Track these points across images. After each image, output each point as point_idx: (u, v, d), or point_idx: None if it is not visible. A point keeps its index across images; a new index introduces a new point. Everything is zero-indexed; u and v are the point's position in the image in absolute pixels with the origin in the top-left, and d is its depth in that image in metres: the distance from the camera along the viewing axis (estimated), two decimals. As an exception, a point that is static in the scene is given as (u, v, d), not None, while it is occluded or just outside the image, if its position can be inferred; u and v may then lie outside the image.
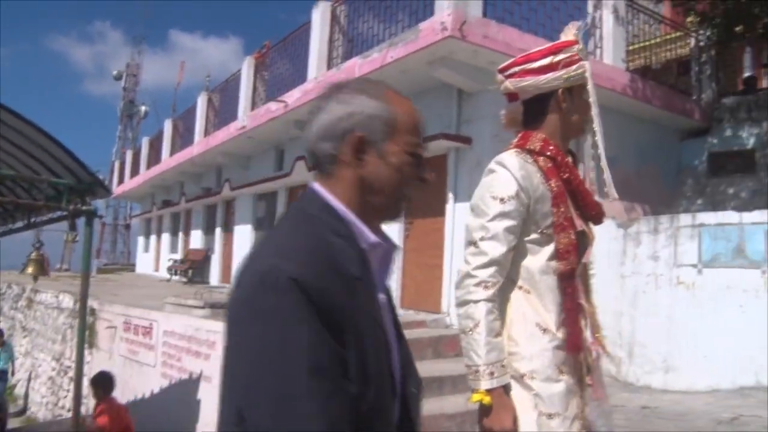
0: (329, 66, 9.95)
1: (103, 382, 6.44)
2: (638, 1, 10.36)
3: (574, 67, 1.96)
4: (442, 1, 7.27)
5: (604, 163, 2.01)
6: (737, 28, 9.52)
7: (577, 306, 1.91)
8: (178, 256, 18.80)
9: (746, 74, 11.65)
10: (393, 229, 9.18)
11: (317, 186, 1.19)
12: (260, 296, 1.02)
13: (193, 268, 16.48)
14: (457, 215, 7.95)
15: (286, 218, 1.20)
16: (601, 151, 2.01)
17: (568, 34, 2.04)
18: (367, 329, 1.08)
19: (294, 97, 10.38)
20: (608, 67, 8.93)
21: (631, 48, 10.26)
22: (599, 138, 2.00)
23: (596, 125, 2.00)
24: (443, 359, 6.80)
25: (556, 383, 1.83)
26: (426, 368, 6.15)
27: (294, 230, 1.14)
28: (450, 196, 8.19)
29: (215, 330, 6.56)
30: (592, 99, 1.98)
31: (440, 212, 8.36)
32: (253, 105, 12.93)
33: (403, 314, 8.40)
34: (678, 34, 11.56)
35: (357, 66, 8.59)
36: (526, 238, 1.90)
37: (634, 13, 10.22)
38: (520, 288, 1.90)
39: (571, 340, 1.86)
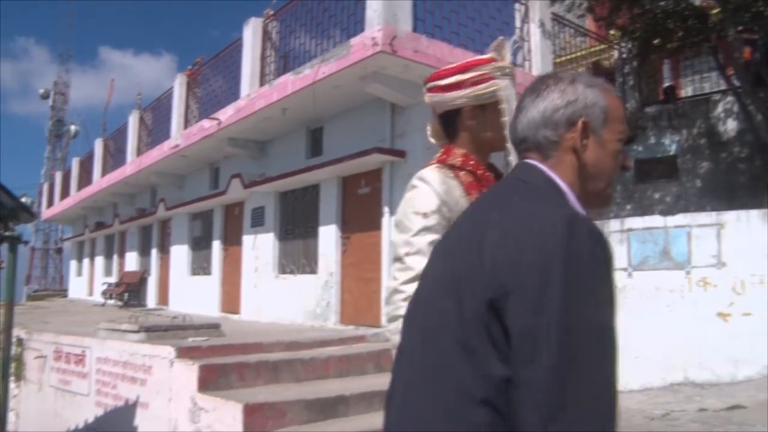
0: (262, 83, 9.90)
1: None
2: (564, 15, 10.69)
3: (482, 85, 1.96)
4: (372, 16, 7.34)
5: None
6: (655, 41, 9.98)
7: None
8: (113, 279, 18.27)
9: (666, 84, 12.19)
10: (330, 243, 9.18)
11: (537, 163, 1.21)
12: (580, 243, 0.99)
13: (129, 291, 16.04)
14: (392, 229, 7.97)
15: (516, 187, 1.19)
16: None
17: (490, 51, 2.07)
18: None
19: (227, 114, 10.27)
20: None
21: (558, 60, 10.58)
22: (512, 156, 2.00)
23: (509, 143, 2.01)
24: (385, 373, 6.78)
25: None
26: (368, 382, 6.14)
27: (543, 196, 1.14)
28: (385, 209, 8.23)
29: (151, 354, 6.39)
30: (506, 118, 1.95)
31: (376, 226, 8.40)
32: (186, 123, 12.72)
33: (343, 329, 8.39)
34: (602, 46, 12.01)
35: (289, 82, 8.57)
36: None
37: (560, 27, 10.55)
38: None
39: None
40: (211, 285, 12.63)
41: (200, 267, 13.52)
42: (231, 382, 5.73)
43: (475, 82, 1.97)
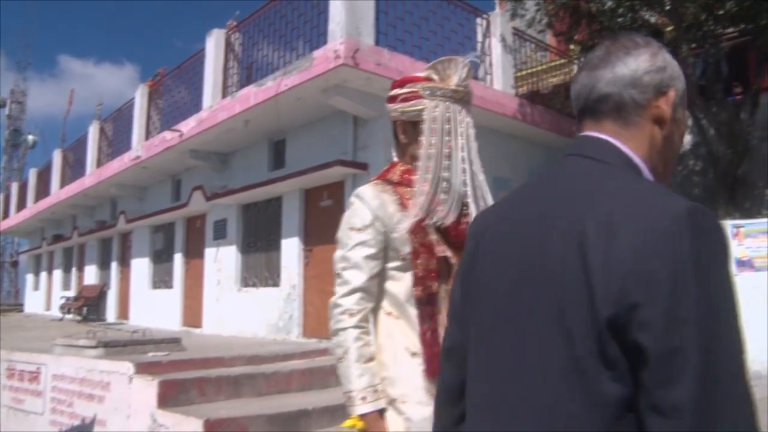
0: (224, 94, 9.85)
1: None
2: (525, 30, 10.86)
3: (409, 103, 1.97)
4: (335, 29, 7.37)
5: (420, 201, 1.92)
6: (613, 56, 10.18)
7: (434, 331, 1.89)
8: (72, 293, 17.88)
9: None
10: (293, 256, 9.14)
11: (607, 136, 1.09)
12: (708, 242, 0.88)
13: (88, 305, 15.70)
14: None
15: (595, 170, 1.04)
16: (425, 190, 1.91)
17: (427, 69, 2.03)
18: None
19: (189, 126, 10.19)
20: (498, 93, 9.31)
21: (519, 74, 10.73)
22: (425, 175, 1.92)
23: (424, 164, 1.92)
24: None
25: (427, 407, 1.79)
26: (331, 396, 6.12)
27: (642, 183, 1.02)
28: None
29: (109, 370, 6.26)
30: (423, 138, 1.93)
31: (339, 238, 8.37)
32: (148, 134, 12.58)
33: (306, 343, 8.35)
34: (562, 61, 12.22)
35: (252, 94, 8.55)
36: (390, 265, 1.93)
37: (521, 42, 10.71)
38: (389, 314, 1.94)
39: (427, 366, 1.86)
40: (172, 298, 12.45)
41: (161, 280, 13.32)
42: (191, 398, 5.65)
43: (405, 98, 1.98)
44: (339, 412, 5.74)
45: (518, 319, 1.00)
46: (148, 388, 5.61)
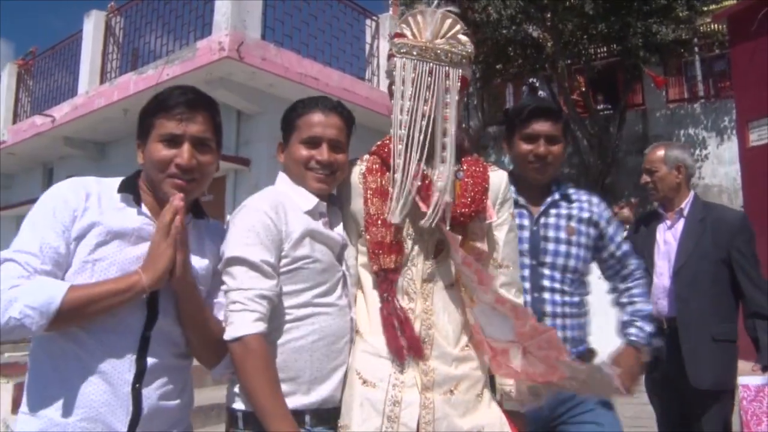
0: (102, 80, 9.37)
1: None
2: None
3: (390, 62, 1.74)
4: (220, 21, 7.19)
5: (398, 172, 1.65)
6: (497, 66, 10.60)
7: (390, 313, 1.65)
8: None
9: (508, 106, 12.96)
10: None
11: None
12: None
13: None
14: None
15: None
16: (398, 159, 1.65)
17: (399, 24, 1.77)
18: None
19: (63, 111, 9.62)
20: (384, 94, 9.37)
21: (407, 77, 10.89)
22: (395, 144, 1.67)
23: (394, 129, 1.67)
24: (222, 386, 6.63)
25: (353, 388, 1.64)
26: (206, 395, 5.99)
27: None
28: (228, 218, 8.05)
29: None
30: (394, 101, 1.67)
31: (219, 235, 8.20)
32: (16, 117, 11.74)
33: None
34: (448, 67, 12.54)
35: (132, 82, 8.19)
36: (356, 239, 1.78)
37: (410, 45, 10.87)
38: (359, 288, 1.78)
39: (388, 345, 1.63)
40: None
41: (28, 274, 12.46)
42: (51, 401, 5.33)
43: (388, 57, 1.78)
44: (213, 411, 5.62)
45: None
46: (1, 392, 5.25)
